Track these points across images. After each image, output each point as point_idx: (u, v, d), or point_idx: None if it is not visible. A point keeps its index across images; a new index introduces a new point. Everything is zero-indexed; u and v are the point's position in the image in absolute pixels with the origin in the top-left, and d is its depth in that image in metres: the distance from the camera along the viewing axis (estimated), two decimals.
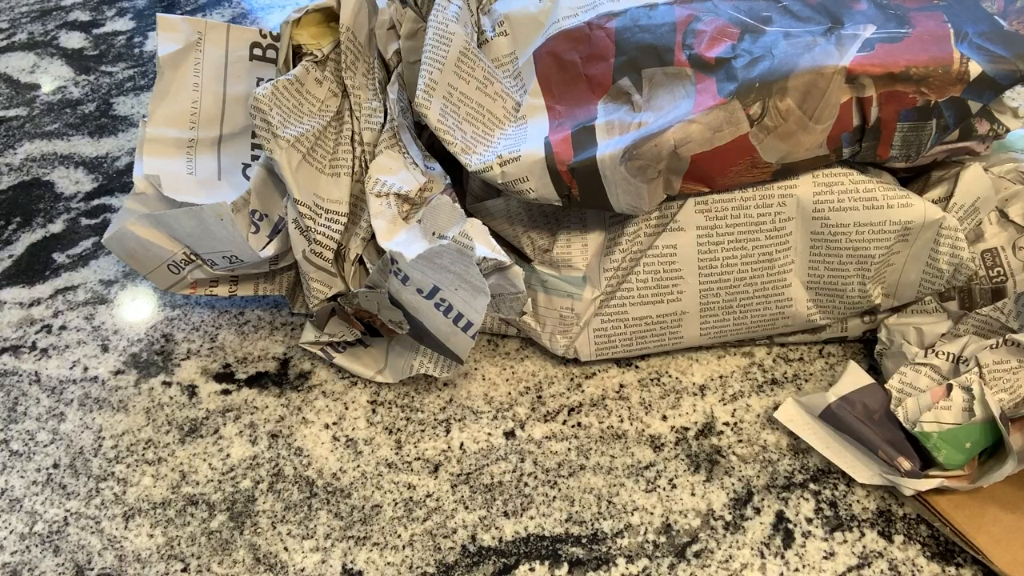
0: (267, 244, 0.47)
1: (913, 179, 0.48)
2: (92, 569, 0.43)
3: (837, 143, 0.43)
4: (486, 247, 0.41)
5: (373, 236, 0.46)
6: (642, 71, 0.44)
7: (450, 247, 0.41)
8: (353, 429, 0.48)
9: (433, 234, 0.43)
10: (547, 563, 0.42)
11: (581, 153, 0.42)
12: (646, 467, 0.46)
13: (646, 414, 0.48)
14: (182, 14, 0.70)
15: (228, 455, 0.47)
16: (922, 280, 0.46)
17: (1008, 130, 0.44)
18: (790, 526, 0.43)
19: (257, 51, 0.53)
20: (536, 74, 0.47)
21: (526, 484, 0.45)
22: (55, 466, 0.47)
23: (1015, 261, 0.46)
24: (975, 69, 0.41)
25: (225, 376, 0.51)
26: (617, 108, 0.44)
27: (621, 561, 0.42)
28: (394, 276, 0.44)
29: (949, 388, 0.42)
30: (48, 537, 0.44)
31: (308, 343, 0.50)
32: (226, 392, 0.50)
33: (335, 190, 0.47)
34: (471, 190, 0.51)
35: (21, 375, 0.52)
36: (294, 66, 0.48)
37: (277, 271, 0.51)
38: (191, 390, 0.51)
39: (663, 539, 0.43)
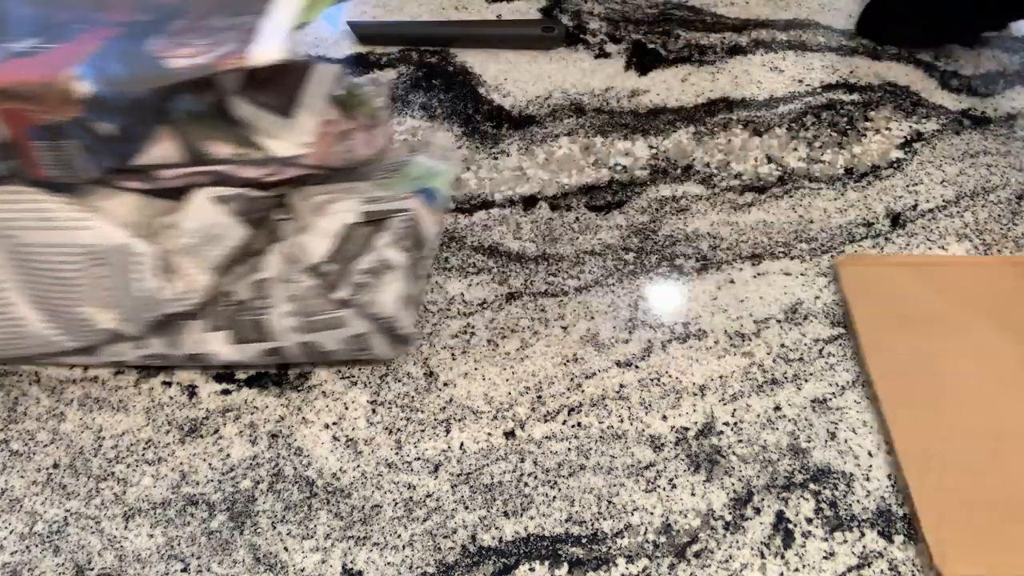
0: None
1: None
2: (92, 569, 0.43)
3: None
4: None
5: None
6: None
7: None
8: (353, 429, 0.48)
9: None
10: (547, 563, 0.42)
11: None
12: (646, 467, 0.46)
13: (646, 414, 0.48)
14: None
15: (228, 455, 0.47)
16: (128, 305, 0.45)
17: (267, 152, 0.43)
18: (790, 526, 0.43)
19: None
20: None
21: (526, 484, 0.45)
22: (55, 466, 0.47)
23: (284, 290, 0.47)
24: (83, 89, 0.39)
25: (225, 376, 0.51)
26: None
27: (621, 561, 0.42)
28: None
29: None
30: (48, 537, 0.44)
31: None
32: (226, 392, 0.50)
33: None
34: None
35: (21, 375, 0.52)
36: None
37: None
38: (191, 390, 0.50)
39: (663, 539, 0.43)
